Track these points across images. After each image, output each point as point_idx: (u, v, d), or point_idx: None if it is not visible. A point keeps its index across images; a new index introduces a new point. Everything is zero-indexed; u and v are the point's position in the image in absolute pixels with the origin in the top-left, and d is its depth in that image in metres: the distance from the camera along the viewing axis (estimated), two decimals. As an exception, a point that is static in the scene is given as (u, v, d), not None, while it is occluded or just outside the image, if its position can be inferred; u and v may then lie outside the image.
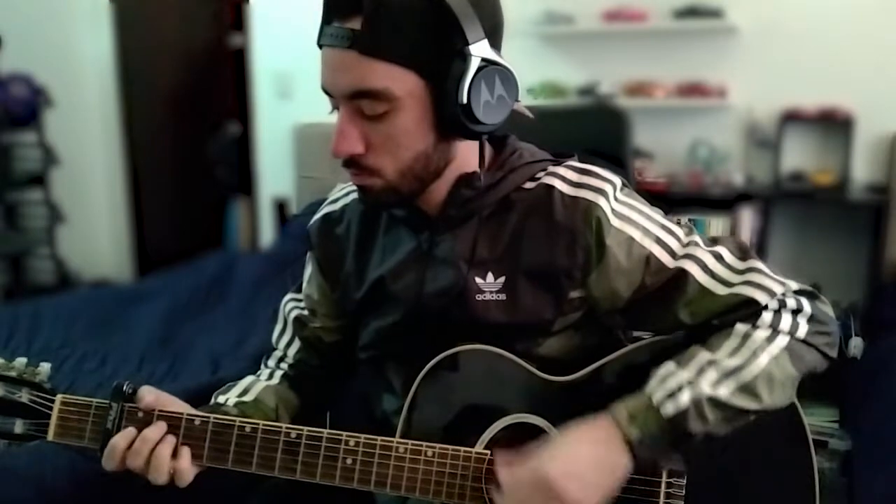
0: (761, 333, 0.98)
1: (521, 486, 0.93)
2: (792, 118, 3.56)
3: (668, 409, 0.93)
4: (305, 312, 1.21)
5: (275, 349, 1.24)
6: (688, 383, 0.94)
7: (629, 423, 0.93)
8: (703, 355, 0.97)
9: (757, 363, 0.96)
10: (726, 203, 3.44)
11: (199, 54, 4.96)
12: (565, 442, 0.95)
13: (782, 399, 0.98)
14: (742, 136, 3.73)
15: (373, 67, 0.91)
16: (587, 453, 0.93)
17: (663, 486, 1.00)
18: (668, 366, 0.97)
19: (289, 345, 1.22)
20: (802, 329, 0.99)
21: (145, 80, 4.74)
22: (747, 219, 3.43)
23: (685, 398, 0.93)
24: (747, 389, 0.95)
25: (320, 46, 0.96)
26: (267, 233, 4.30)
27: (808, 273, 1.07)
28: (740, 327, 0.99)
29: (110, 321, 2.61)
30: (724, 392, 0.94)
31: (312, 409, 1.20)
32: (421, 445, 0.99)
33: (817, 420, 2.42)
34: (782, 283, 1.01)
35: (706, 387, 0.94)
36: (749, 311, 1.00)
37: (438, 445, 0.99)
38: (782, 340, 0.98)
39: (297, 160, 3.34)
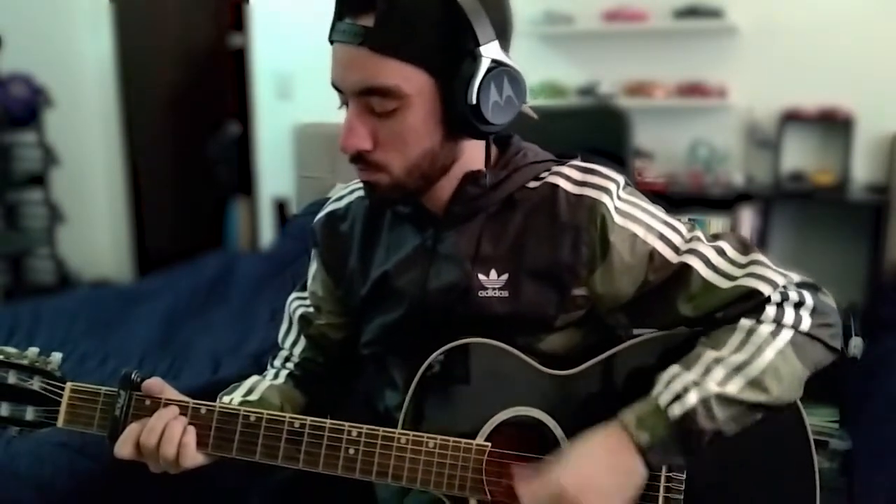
0: (765, 328, 0.98)
1: (540, 501, 0.93)
2: (792, 118, 3.56)
3: (675, 410, 0.93)
4: (311, 310, 1.21)
5: (281, 349, 1.24)
6: (694, 384, 0.94)
7: (638, 428, 0.93)
8: (709, 354, 0.97)
9: (763, 357, 0.96)
10: (726, 203, 3.44)
11: (199, 54, 4.96)
12: (579, 453, 0.95)
13: (791, 393, 0.98)
14: (742, 136, 3.73)
15: (383, 65, 0.92)
16: (601, 462, 0.94)
17: (662, 481, 1.00)
18: (673, 368, 0.97)
19: (294, 344, 1.22)
20: (806, 322, 0.99)
21: (145, 80, 4.75)
22: (747, 219, 3.43)
23: (692, 399, 0.93)
24: (755, 384, 0.95)
25: (332, 42, 0.96)
26: (267, 233, 4.30)
27: (808, 273, 1.07)
28: (744, 322, 1.00)
29: (110, 321, 2.61)
30: (732, 388, 0.94)
31: (318, 409, 1.18)
32: (422, 436, 0.99)
33: (817, 420, 2.41)
34: (784, 275, 1.02)
35: (713, 385, 0.94)
36: (752, 302, 1.00)
37: (439, 437, 0.99)
38: (787, 334, 0.98)
39: (297, 160, 3.35)
